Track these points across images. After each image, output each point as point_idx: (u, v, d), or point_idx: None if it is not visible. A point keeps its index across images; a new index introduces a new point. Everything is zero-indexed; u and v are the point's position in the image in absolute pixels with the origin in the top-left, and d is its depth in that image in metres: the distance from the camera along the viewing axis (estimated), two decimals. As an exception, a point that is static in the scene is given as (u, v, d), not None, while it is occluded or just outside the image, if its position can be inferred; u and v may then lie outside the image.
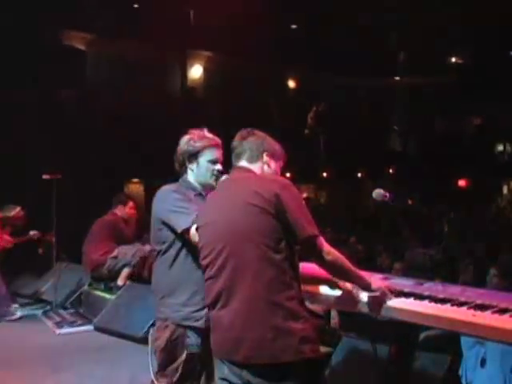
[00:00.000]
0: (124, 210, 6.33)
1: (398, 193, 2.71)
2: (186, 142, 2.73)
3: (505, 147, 14.35)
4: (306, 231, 2.19)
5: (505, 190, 14.62)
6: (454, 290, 2.47)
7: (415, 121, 14.19)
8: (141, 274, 5.85)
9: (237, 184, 2.35)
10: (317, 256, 2.23)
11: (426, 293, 2.45)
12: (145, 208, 7.61)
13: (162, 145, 9.67)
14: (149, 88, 11.52)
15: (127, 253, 6.01)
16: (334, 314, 4.51)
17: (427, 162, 13.24)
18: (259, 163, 2.42)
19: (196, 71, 13.65)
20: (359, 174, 14.36)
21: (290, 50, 12.61)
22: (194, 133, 2.75)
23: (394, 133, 14.46)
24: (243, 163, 2.42)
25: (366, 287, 2.37)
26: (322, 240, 2.24)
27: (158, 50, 11.75)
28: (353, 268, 2.31)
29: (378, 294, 2.37)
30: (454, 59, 14.36)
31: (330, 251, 2.24)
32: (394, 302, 2.37)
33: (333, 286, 2.53)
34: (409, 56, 14.35)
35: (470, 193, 12.96)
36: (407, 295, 2.44)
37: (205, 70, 13.69)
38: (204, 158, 2.72)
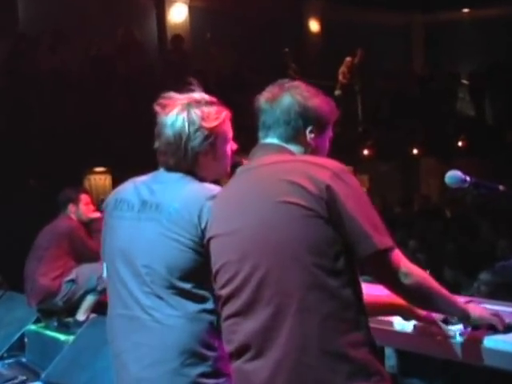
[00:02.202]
0: (79, 210, 6.17)
1: (482, 177, 2.70)
2: (192, 138, 2.60)
3: None
4: (374, 242, 2.13)
5: None
6: None
7: (492, 70, 14.18)
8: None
9: (265, 173, 2.29)
10: (390, 279, 2.18)
11: None
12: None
13: (133, 122, 10.01)
14: (110, 38, 11.54)
15: (91, 274, 5.90)
16: (389, 352, 4.39)
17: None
18: (299, 145, 2.36)
19: (178, 12, 13.67)
20: (414, 151, 14.29)
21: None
22: (192, 103, 2.61)
23: (462, 91, 14.51)
24: (273, 139, 2.36)
25: (464, 317, 2.35)
26: (398, 255, 2.18)
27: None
28: (443, 291, 2.26)
29: (481, 325, 2.36)
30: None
31: (410, 271, 2.18)
32: (494, 341, 2.35)
33: (407, 315, 2.51)
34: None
35: None
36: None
37: (191, 10, 13.71)
38: (220, 143, 2.66)
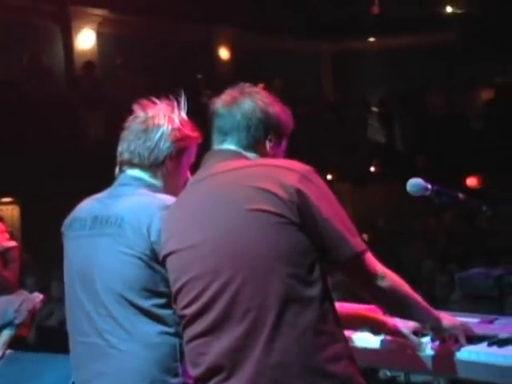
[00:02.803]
0: (-9, 239, 5.78)
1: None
2: (167, 133, 2.58)
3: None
4: (352, 245, 2.09)
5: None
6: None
7: (401, 98, 14.47)
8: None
9: (225, 180, 2.19)
10: (367, 281, 2.14)
11: (505, 335, 2.43)
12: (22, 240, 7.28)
13: (42, 149, 9.61)
14: (16, 63, 11.18)
15: (7, 306, 5.38)
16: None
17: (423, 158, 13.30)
18: (258, 152, 2.29)
19: (86, 38, 13.27)
20: (328, 176, 14.29)
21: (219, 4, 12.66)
22: (168, 114, 2.61)
23: (372, 118, 14.72)
24: (231, 145, 2.27)
25: (436, 325, 2.31)
26: (371, 257, 2.15)
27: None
28: (417, 297, 2.23)
29: (449, 335, 2.32)
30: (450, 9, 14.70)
31: (385, 274, 2.15)
32: (467, 352, 2.32)
33: (379, 327, 2.47)
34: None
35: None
36: (481, 340, 2.41)
37: (99, 36, 13.37)
38: (186, 157, 2.65)
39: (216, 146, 2.31)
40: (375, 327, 2.50)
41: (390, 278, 2.16)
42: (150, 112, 2.61)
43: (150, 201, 2.49)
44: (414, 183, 2.65)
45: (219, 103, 2.31)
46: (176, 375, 2.38)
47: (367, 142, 14.29)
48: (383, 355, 2.56)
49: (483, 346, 2.36)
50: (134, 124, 2.62)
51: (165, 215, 2.34)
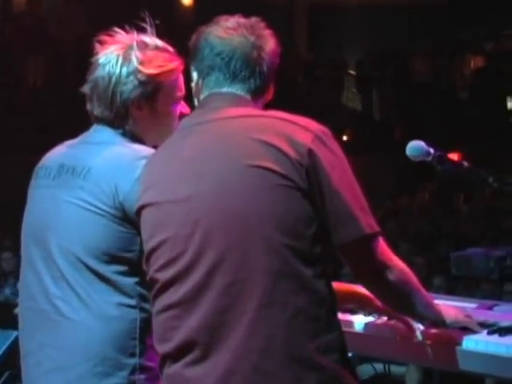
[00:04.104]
0: None
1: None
2: (123, 62, 2.45)
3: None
4: (361, 225, 2.03)
5: None
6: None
7: (380, 60, 13.84)
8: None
9: (229, 128, 2.11)
10: (372, 270, 2.09)
11: (506, 323, 2.41)
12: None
13: None
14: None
15: None
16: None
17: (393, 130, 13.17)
18: (261, 98, 2.24)
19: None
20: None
21: None
22: (138, 45, 2.46)
23: (348, 82, 14.33)
24: (231, 88, 2.17)
25: (438, 321, 2.26)
26: (383, 243, 2.09)
27: None
28: (424, 292, 2.19)
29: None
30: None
31: (395, 264, 2.10)
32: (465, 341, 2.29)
33: (368, 306, 2.44)
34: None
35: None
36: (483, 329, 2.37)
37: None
38: (163, 97, 2.50)
39: (213, 89, 2.18)
40: (366, 306, 2.44)
41: (400, 270, 2.11)
42: (103, 54, 2.47)
43: (123, 151, 2.39)
44: (416, 146, 2.57)
45: (214, 35, 2.19)
46: (132, 355, 2.29)
47: (341, 108, 13.82)
48: (366, 340, 2.53)
49: (483, 335, 2.35)
50: (92, 72, 2.49)
51: (146, 161, 2.27)
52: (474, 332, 2.33)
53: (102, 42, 2.47)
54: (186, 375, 2.04)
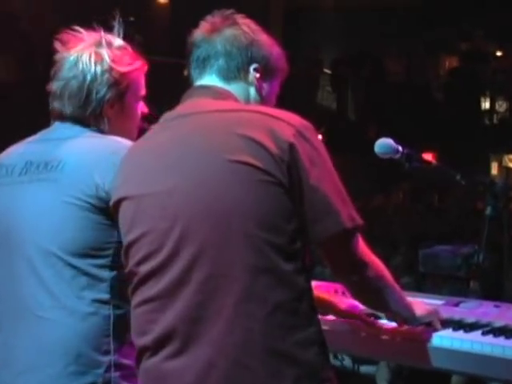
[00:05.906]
0: None
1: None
2: (96, 60, 2.43)
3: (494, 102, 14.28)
4: (341, 220, 2.02)
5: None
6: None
7: (356, 60, 14.04)
8: None
9: (209, 121, 2.10)
10: (348, 268, 2.11)
11: (472, 319, 2.49)
12: None
13: None
14: None
15: None
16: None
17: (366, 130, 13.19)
18: (241, 83, 2.24)
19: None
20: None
21: None
22: (102, 43, 2.45)
23: (324, 80, 14.45)
24: (213, 80, 2.21)
25: (409, 317, 2.31)
26: (360, 238, 2.09)
27: None
28: (397, 288, 2.21)
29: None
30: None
31: (372, 261, 2.12)
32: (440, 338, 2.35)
33: (329, 310, 2.51)
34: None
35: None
36: (449, 325, 2.44)
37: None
38: (131, 96, 2.51)
39: (196, 82, 2.22)
40: (327, 310, 2.47)
41: (376, 266, 2.13)
42: (73, 52, 2.43)
43: (99, 142, 2.38)
44: (384, 144, 2.60)
45: (198, 32, 2.24)
46: (106, 352, 2.26)
47: (315, 106, 13.83)
48: (334, 337, 2.42)
49: (448, 331, 2.39)
50: (58, 70, 2.45)
51: (124, 154, 2.25)
52: (435, 329, 2.37)
53: (63, 41, 2.44)
54: (164, 369, 2.03)
